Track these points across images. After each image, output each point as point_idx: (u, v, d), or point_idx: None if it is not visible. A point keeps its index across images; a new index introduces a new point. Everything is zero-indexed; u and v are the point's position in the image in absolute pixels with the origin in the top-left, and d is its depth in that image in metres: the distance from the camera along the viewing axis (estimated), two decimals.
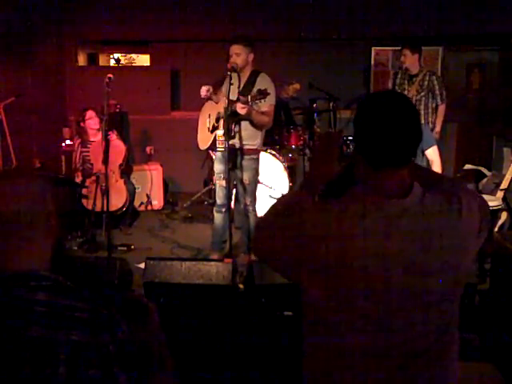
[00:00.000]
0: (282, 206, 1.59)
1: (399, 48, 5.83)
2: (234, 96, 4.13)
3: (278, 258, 1.51)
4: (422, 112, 5.64)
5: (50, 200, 1.29)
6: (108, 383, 1.15)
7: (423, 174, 1.70)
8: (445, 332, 1.41)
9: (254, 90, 4.11)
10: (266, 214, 1.62)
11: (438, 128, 5.64)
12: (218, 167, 4.40)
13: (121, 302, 1.23)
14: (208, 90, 4.30)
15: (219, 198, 4.43)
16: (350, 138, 4.65)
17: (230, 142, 4.12)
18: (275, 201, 1.67)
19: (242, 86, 4.17)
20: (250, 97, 4.00)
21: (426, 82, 5.63)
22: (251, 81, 4.24)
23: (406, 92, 5.60)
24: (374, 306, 1.35)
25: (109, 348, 1.14)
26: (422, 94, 5.63)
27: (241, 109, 4.00)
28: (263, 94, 3.95)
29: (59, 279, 1.22)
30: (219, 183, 4.41)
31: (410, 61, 5.60)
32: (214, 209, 4.53)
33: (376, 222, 1.35)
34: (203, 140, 4.56)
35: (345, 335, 1.38)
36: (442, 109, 5.68)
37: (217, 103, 4.34)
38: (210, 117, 4.44)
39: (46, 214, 1.27)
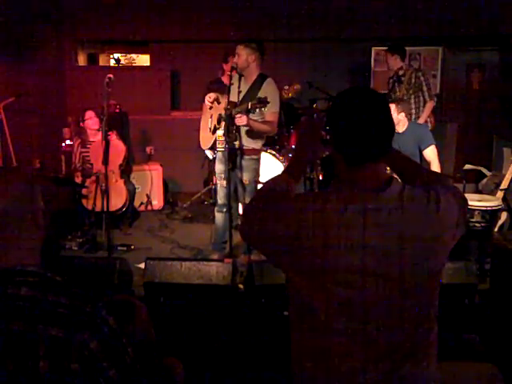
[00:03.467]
0: (268, 192, 1.65)
1: None
2: (233, 96, 4.12)
3: (263, 245, 1.57)
4: (413, 111, 5.64)
5: (38, 198, 1.30)
6: (92, 378, 1.15)
7: (406, 164, 1.76)
8: (422, 324, 1.45)
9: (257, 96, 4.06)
10: (252, 200, 1.69)
11: (420, 120, 5.61)
12: (219, 167, 4.39)
13: (108, 302, 1.23)
14: (213, 101, 4.30)
15: (220, 198, 4.43)
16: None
17: (230, 142, 4.12)
18: (262, 186, 1.72)
19: (247, 89, 4.15)
20: (249, 104, 3.93)
21: (412, 80, 5.67)
22: (257, 86, 4.18)
23: (397, 94, 5.63)
24: (353, 295, 1.41)
25: (89, 345, 1.15)
26: (411, 92, 5.65)
27: (239, 119, 3.96)
28: (263, 102, 3.86)
29: (47, 275, 1.23)
30: (220, 183, 4.41)
31: (392, 62, 5.73)
32: (216, 209, 4.53)
33: (356, 215, 1.40)
34: (205, 140, 4.57)
35: (326, 320, 1.43)
36: (429, 105, 5.67)
37: (219, 104, 4.34)
38: (211, 117, 4.43)
39: (34, 211, 1.28)
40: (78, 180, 5.45)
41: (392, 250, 1.40)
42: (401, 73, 5.71)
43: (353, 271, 1.39)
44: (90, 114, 5.48)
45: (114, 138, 5.34)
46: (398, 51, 5.70)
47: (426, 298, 1.46)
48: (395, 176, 1.57)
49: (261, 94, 4.03)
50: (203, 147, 4.59)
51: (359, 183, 1.45)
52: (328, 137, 1.56)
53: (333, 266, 1.40)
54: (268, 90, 4.14)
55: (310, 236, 1.41)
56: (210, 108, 4.39)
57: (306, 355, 1.50)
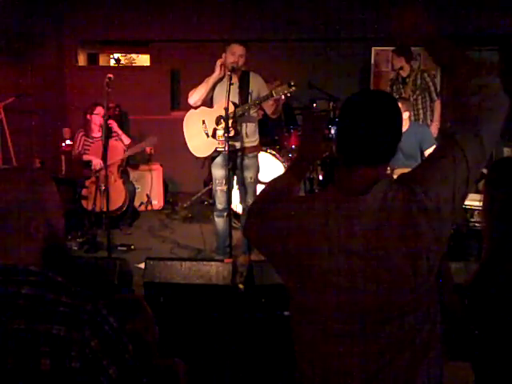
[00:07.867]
0: (269, 193, 1.65)
1: None
2: (234, 96, 4.13)
3: (261, 246, 1.57)
4: (421, 112, 5.64)
5: (40, 196, 1.29)
6: (93, 376, 1.16)
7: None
8: (421, 326, 1.41)
9: (253, 92, 4.23)
10: (256, 199, 1.70)
11: (438, 124, 5.60)
12: (219, 173, 4.33)
13: (113, 300, 1.24)
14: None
15: (220, 202, 4.39)
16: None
17: (230, 143, 4.11)
18: (265, 186, 1.72)
19: (236, 85, 4.20)
20: (254, 102, 4.16)
21: (418, 82, 5.64)
22: (245, 80, 4.27)
23: (402, 95, 5.60)
24: (345, 298, 1.38)
25: (90, 343, 1.15)
26: (418, 92, 5.63)
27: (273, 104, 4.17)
28: (266, 97, 4.09)
29: (48, 274, 1.24)
30: (220, 189, 4.35)
31: (398, 63, 5.69)
32: (215, 214, 4.48)
33: (337, 220, 1.38)
34: (201, 147, 4.42)
35: (323, 324, 1.42)
36: (438, 104, 5.67)
37: (210, 107, 4.34)
38: (204, 123, 4.36)
39: (35, 210, 1.27)
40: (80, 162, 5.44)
41: (378, 254, 1.36)
42: (404, 74, 5.67)
43: (342, 275, 1.37)
44: (99, 109, 5.46)
45: (113, 138, 5.36)
46: (404, 53, 5.64)
47: (423, 299, 1.41)
48: (394, 178, 1.51)
49: (252, 87, 4.24)
50: (201, 155, 4.44)
51: (345, 186, 1.42)
52: (330, 135, 1.55)
53: (320, 269, 1.38)
54: (257, 81, 4.31)
55: (296, 239, 1.41)
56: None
57: (305, 357, 1.49)
